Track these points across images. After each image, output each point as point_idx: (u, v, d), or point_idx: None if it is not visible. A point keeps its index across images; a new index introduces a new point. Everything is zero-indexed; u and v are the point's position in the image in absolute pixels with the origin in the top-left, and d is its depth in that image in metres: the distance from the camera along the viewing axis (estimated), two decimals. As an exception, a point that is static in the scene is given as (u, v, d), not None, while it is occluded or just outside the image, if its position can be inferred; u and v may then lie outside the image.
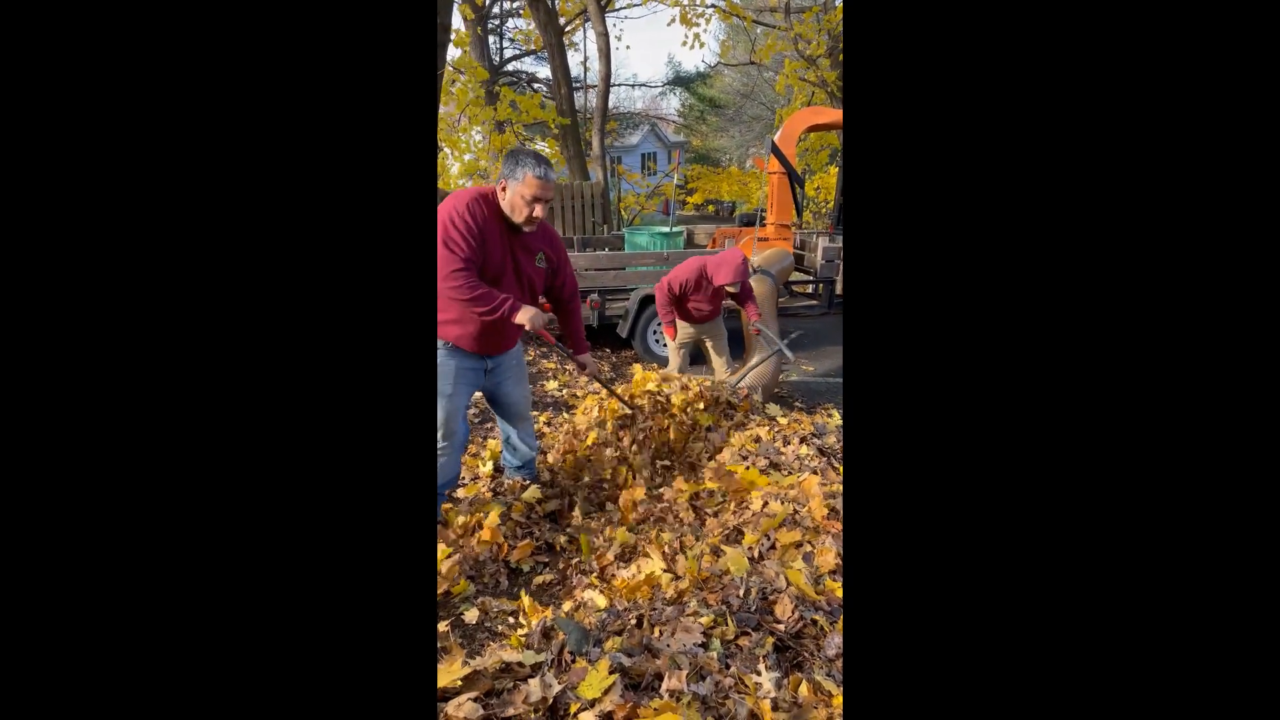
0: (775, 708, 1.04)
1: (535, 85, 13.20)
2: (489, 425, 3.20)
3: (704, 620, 1.21)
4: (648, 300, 4.61)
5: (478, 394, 2.51)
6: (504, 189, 1.75)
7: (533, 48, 11.51)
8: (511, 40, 14.06)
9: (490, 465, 2.68)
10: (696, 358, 4.29)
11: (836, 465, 2.36)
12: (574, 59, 8.94)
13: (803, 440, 2.56)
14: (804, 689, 1.09)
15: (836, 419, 3.41)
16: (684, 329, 3.52)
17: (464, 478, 2.63)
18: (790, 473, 2.26)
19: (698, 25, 8.94)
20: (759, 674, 1.09)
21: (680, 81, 20.33)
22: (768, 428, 2.73)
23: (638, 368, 3.37)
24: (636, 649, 1.13)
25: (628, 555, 1.90)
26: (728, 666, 1.11)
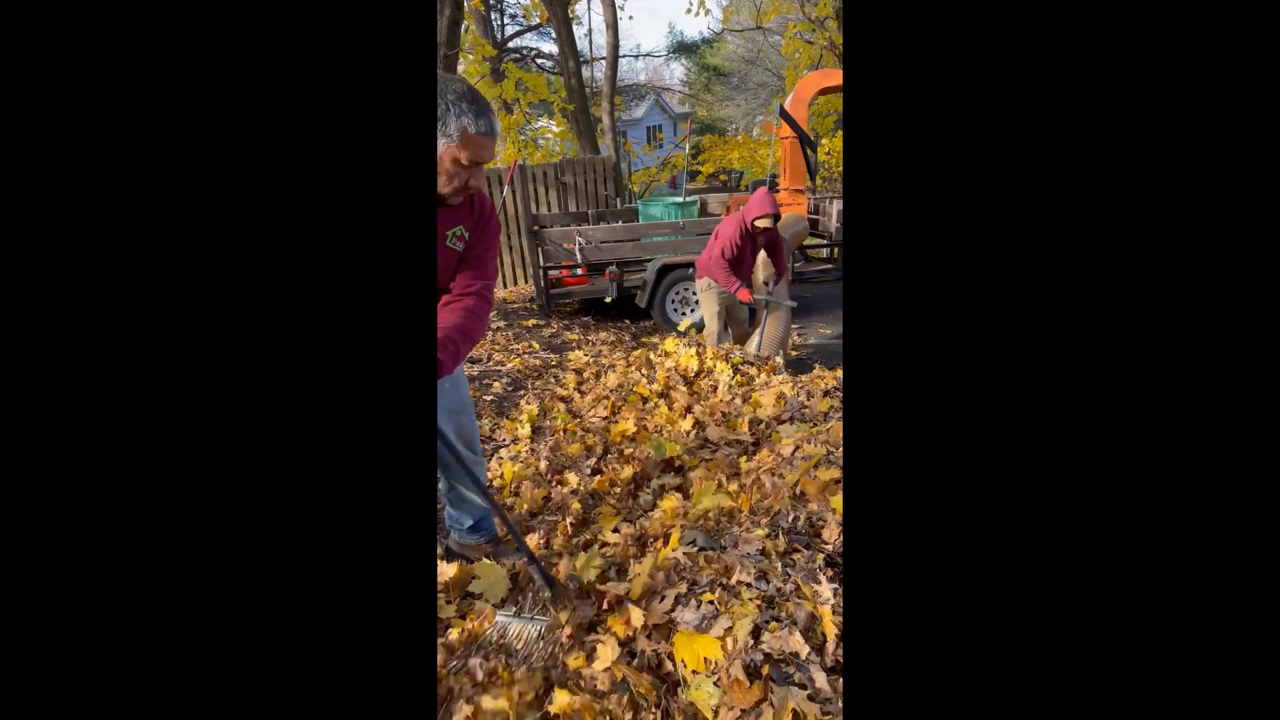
0: (833, 611, 1.16)
1: (540, 61, 13.07)
2: (520, 394, 3.33)
3: (760, 533, 1.33)
4: (665, 270, 4.69)
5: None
6: None
7: (535, 22, 11.39)
8: (512, 16, 13.90)
9: (529, 427, 2.81)
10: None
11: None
12: (577, 31, 8.86)
13: (826, 394, 2.66)
14: (854, 595, 1.21)
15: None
16: (720, 298, 3.59)
17: (505, 439, 2.76)
18: (816, 424, 2.36)
19: (703, -10, 8.84)
20: (819, 583, 1.20)
21: (684, 49, 20.03)
22: (791, 385, 2.83)
23: (670, 341, 3.47)
24: (708, 536, 1.25)
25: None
26: (788, 575, 1.23)
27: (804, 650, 1.09)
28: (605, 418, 2.93)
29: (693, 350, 3.27)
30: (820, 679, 1.04)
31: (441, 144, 1.19)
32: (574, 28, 8.28)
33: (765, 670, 1.05)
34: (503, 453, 2.55)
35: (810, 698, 1.01)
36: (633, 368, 3.50)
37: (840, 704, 1.01)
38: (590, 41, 10.42)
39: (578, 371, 3.68)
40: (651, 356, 3.49)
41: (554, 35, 8.65)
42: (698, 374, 3.18)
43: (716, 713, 1.01)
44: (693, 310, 4.75)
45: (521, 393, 3.35)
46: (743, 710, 1.00)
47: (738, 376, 3.04)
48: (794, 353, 4.31)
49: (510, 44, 13.18)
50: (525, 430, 2.77)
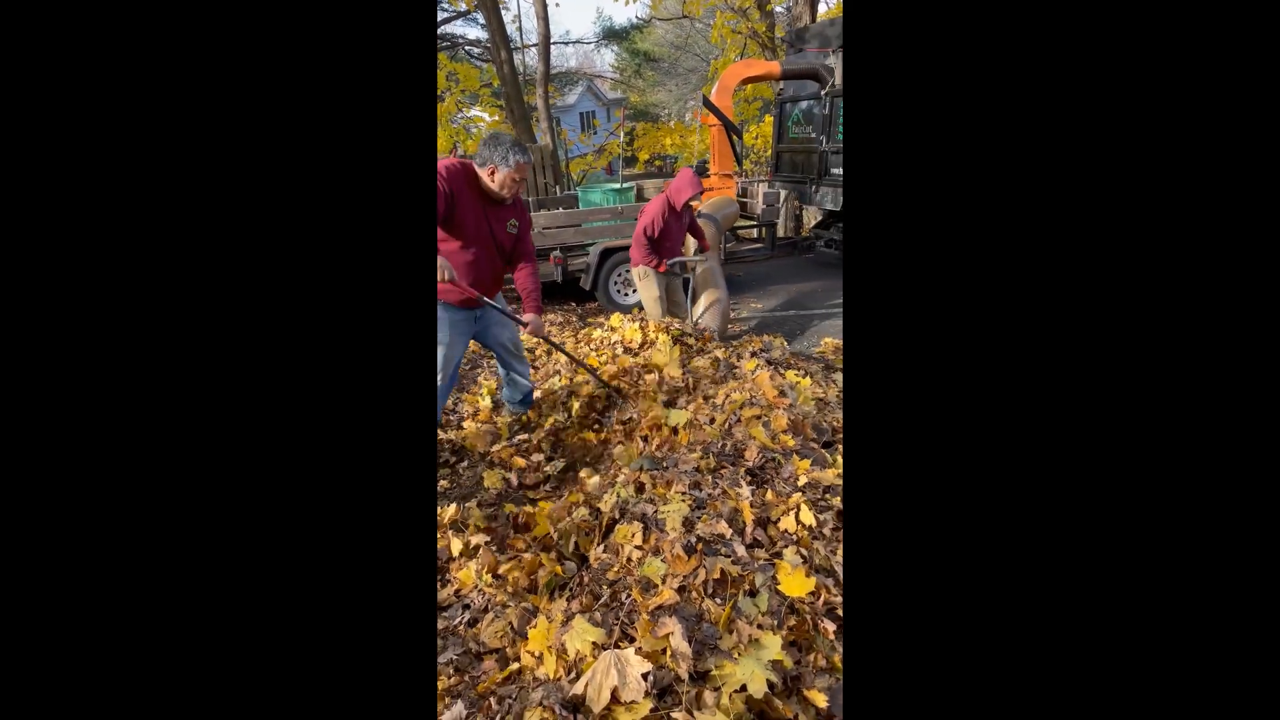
0: (752, 506, 1.50)
1: (468, 48, 12.95)
2: (478, 371, 3.55)
3: (694, 455, 1.66)
4: (608, 253, 4.96)
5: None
6: (493, 172, 2.04)
7: (462, 9, 11.30)
8: (436, 2, 13.64)
9: (489, 400, 3.05)
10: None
11: (782, 372, 2.84)
12: (505, 18, 8.91)
13: (753, 354, 3.03)
14: (769, 495, 1.56)
15: (780, 341, 3.93)
16: (657, 283, 3.87)
17: (465, 412, 3.00)
18: (744, 379, 2.72)
19: (631, -21, 9.02)
20: (740, 487, 1.54)
21: (614, 36, 20.14)
22: (724, 349, 3.19)
23: (615, 318, 3.75)
24: (653, 460, 1.57)
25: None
26: (716, 484, 1.56)
27: (728, 533, 1.42)
28: (564, 387, 3.20)
29: (636, 325, 3.57)
30: (740, 550, 1.38)
31: (504, 170, 2.06)
32: (502, 14, 8.33)
33: (699, 547, 1.37)
34: (465, 424, 2.79)
35: (733, 563, 1.34)
36: (582, 344, 3.77)
37: (756, 565, 1.35)
38: (520, 27, 10.46)
39: (530, 350, 3.92)
40: (598, 333, 3.77)
41: (481, 22, 8.68)
42: (641, 345, 3.49)
43: (665, 579, 1.33)
44: (634, 291, 5.05)
45: (479, 370, 3.58)
46: (684, 576, 1.33)
47: (678, 346, 3.37)
48: (731, 326, 4.68)
49: (438, 31, 12.96)
50: (486, 403, 3.02)
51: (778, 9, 10.54)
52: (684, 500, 1.50)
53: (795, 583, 1.29)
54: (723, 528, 1.42)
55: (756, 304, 5.34)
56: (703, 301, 3.97)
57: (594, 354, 3.43)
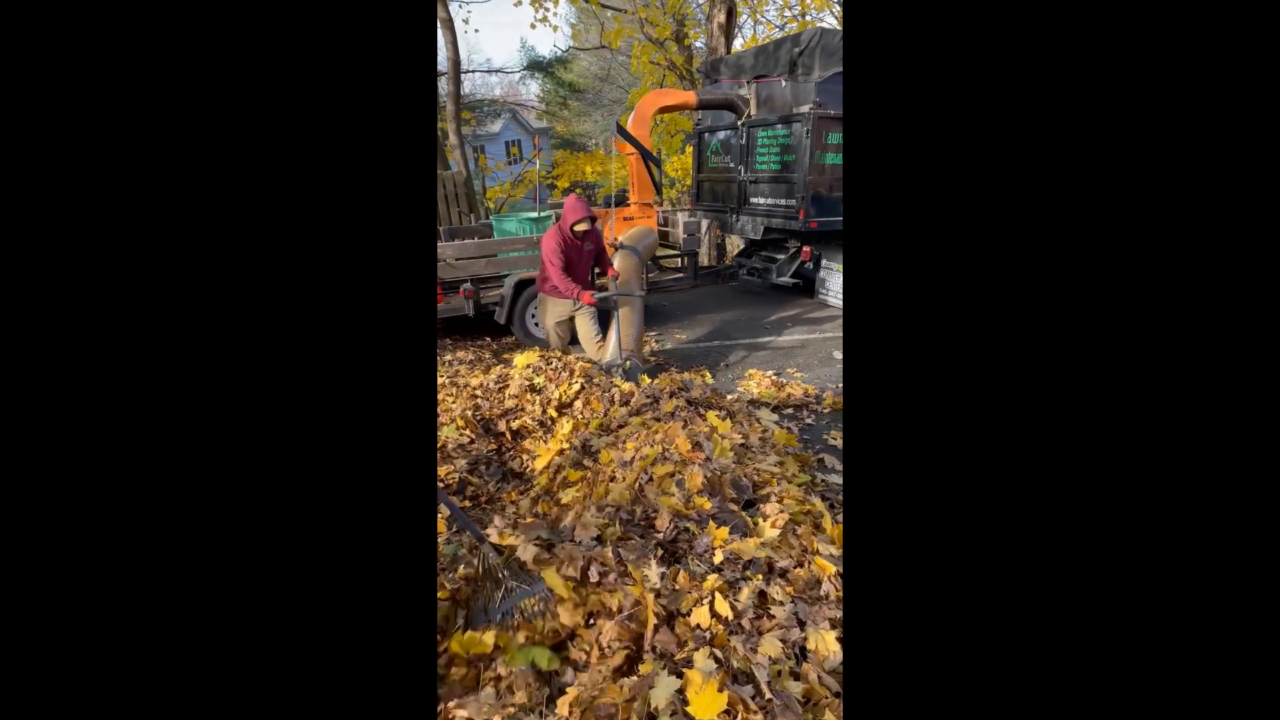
0: (658, 595, 1.25)
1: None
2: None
3: (599, 522, 1.40)
4: (523, 285, 4.68)
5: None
6: None
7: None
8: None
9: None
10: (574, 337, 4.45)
11: (703, 413, 2.64)
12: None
13: (672, 394, 2.82)
14: (682, 577, 1.32)
15: (706, 377, 3.76)
16: (559, 307, 3.65)
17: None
18: (660, 420, 2.50)
19: (546, 6, 8.93)
20: (649, 567, 1.29)
21: (537, 66, 20.13)
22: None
23: (521, 357, 3.47)
24: (545, 528, 1.31)
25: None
26: (619, 557, 1.31)
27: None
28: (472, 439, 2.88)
29: (561, 375, 3.30)
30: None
31: None
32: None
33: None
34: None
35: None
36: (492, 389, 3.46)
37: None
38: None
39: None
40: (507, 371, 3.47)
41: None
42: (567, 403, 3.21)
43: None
44: (552, 323, 4.79)
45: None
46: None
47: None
48: (651, 359, 4.49)
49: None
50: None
51: (695, 44, 10.76)
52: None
53: (706, 702, 1.05)
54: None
55: (681, 334, 5.20)
56: (619, 328, 3.76)
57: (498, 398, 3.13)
